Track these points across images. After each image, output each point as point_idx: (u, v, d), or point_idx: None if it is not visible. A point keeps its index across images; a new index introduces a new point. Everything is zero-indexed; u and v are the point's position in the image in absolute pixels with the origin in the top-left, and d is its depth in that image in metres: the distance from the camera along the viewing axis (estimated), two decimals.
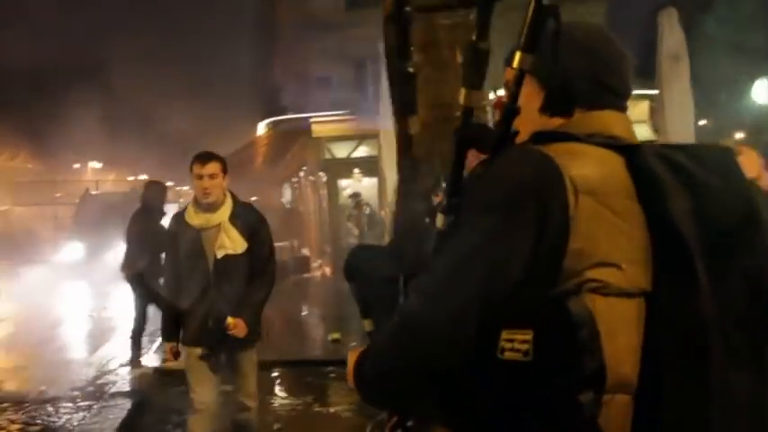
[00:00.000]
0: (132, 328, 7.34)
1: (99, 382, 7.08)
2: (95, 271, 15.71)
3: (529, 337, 1.06)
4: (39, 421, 5.95)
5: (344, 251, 11.49)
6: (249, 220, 3.89)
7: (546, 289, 1.08)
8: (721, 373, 1.08)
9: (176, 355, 4.03)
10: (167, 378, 6.44)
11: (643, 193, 1.14)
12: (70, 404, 6.32)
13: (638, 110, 15.47)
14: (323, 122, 15.86)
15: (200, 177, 3.79)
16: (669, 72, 7.73)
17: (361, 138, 15.57)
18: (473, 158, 1.22)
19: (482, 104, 3.82)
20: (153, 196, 7.25)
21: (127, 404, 5.83)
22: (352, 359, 1.29)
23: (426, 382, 1.14)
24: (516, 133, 1.23)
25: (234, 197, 3.96)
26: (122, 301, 9.12)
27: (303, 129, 16.25)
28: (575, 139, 1.17)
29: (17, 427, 5.86)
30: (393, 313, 1.16)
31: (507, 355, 1.07)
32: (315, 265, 17.07)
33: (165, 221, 5.08)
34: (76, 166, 38.51)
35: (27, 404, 6.46)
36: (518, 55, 1.12)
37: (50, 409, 6.25)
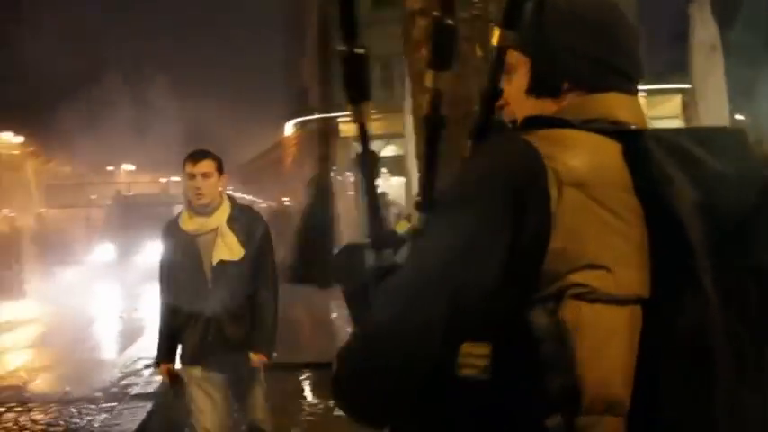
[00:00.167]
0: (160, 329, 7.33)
1: (123, 383, 7.11)
2: (126, 272, 15.90)
3: (487, 351, 0.93)
4: (61, 422, 5.98)
5: None
6: (249, 224, 3.56)
7: (524, 294, 0.94)
8: (729, 393, 0.94)
9: (174, 377, 3.65)
10: None
11: (641, 185, 0.98)
12: (93, 405, 6.34)
13: (670, 105, 15.12)
14: (351, 122, 15.85)
15: (193, 177, 3.42)
16: (703, 65, 7.46)
17: (389, 137, 15.51)
18: None
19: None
20: None
21: (147, 407, 5.80)
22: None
23: (396, 398, 1.01)
24: (500, 121, 1.10)
25: (232, 199, 3.65)
26: (152, 303, 9.15)
27: (331, 128, 16.26)
28: (569, 126, 1.02)
29: (40, 427, 5.90)
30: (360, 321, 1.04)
31: (465, 371, 0.94)
32: None
33: None
34: (110, 168, 39.08)
35: (52, 404, 6.51)
36: (496, 31, 1.00)
37: (73, 410, 6.28)
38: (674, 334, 0.94)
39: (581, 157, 0.98)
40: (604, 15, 1.10)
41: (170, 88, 36.70)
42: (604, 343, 0.93)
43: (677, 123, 12.52)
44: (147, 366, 7.53)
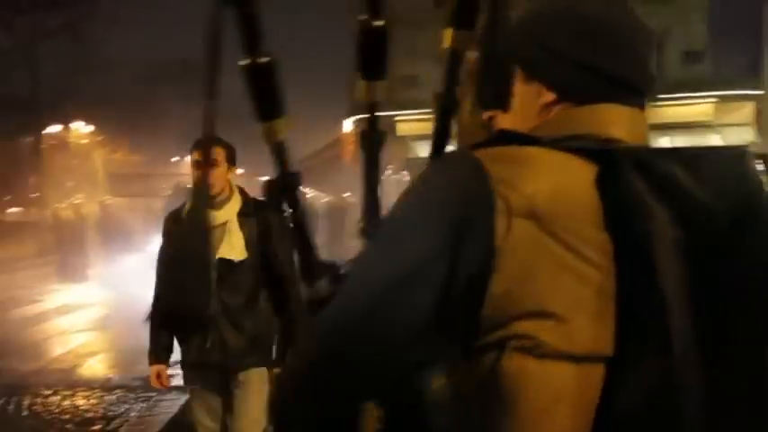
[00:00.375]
0: None
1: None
2: None
3: (380, 414, 0.80)
4: (101, 409, 6.07)
5: None
6: (262, 219, 3.17)
7: (455, 342, 0.80)
8: None
9: (165, 379, 3.35)
10: None
11: (614, 217, 0.80)
12: (132, 394, 6.42)
13: (742, 112, 14.42)
14: (408, 121, 15.75)
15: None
16: None
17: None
18: None
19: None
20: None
21: (182, 399, 5.83)
22: None
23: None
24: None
25: (244, 193, 3.26)
26: None
27: (388, 127, 16.23)
28: (535, 143, 0.86)
29: (79, 413, 6.00)
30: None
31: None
32: None
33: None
34: (175, 159, 40.06)
35: (96, 390, 6.63)
36: (446, 32, 0.87)
37: (113, 397, 6.38)
38: (639, 404, 0.78)
39: (541, 182, 0.81)
40: (600, 11, 0.92)
41: (236, 84, 37.32)
42: (551, 406, 0.78)
43: (749, 131, 11.93)
44: None
